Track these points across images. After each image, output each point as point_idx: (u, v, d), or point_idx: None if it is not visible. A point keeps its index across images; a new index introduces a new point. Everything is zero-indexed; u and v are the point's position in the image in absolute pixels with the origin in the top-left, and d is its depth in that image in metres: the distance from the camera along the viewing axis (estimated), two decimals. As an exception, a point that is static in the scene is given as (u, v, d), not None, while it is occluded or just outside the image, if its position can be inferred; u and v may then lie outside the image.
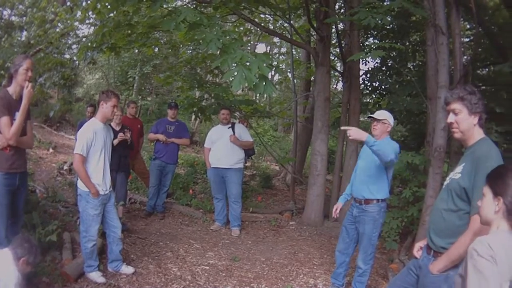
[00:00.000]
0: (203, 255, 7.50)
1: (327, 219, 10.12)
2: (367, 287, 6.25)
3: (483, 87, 11.17)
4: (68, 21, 17.52)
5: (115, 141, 7.51)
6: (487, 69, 12.76)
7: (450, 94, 3.47)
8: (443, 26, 7.56)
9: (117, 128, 8.07)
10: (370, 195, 5.73)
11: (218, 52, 6.82)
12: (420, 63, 12.51)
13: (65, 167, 13.08)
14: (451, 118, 3.44)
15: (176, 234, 8.60)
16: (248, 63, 6.15)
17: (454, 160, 7.90)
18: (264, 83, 6.25)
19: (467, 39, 13.05)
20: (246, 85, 6.30)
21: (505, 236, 2.46)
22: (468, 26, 13.07)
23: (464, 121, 3.37)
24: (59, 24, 18.55)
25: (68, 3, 17.86)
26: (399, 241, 8.16)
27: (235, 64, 6.18)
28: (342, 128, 5.43)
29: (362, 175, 5.84)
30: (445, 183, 3.60)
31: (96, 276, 5.91)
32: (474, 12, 8.04)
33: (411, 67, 12.90)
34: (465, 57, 10.02)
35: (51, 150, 16.19)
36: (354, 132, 5.05)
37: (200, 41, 6.94)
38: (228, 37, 6.81)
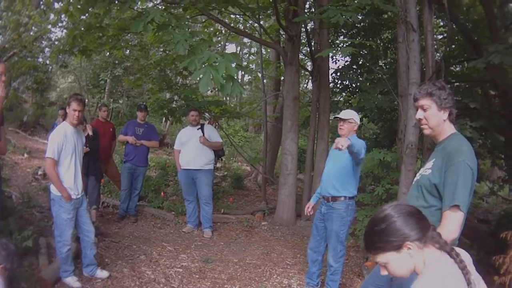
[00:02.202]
0: (176, 258, 7.46)
1: (299, 218, 10.16)
2: (342, 285, 6.26)
3: (457, 84, 11.29)
4: (42, 24, 17.37)
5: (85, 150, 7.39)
6: (461, 66, 12.90)
7: (418, 90, 3.44)
8: (414, 23, 7.62)
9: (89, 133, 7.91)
10: (336, 192, 5.80)
11: (187, 53, 6.78)
12: (392, 61, 12.60)
13: (40, 172, 12.90)
14: (419, 114, 3.41)
15: (149, 237, 8.55)
16: (215, 64, 6.09)
17: (426, 156, 7.94)
18: (231, 84, 6.18)
19: (440, 36, 13.18)
20: (214, 85, 6.24)
21: (439, 268, 2.24)
22: (441, 24, 13.21)
23: (433, 117, 3.34)
24: (33, 28, 18.40)
25: (42, 6, 17.71)
26: (373, 238, 8.15)
27: (204, 65, 6.12)
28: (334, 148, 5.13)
29: (330, 173, 5.90)
30: (415, 179, 3.59)
31: (72, 281, 5.87)
32: (447, 9, 8.10)
33: (382, 64, 12.97)
34: (438, 54, 10.10)
35: (26, 155, 15.97)
36: (343, 142, 4.93)
37: (169, 42, 6.88)
38: (196, 38, 6.76)
